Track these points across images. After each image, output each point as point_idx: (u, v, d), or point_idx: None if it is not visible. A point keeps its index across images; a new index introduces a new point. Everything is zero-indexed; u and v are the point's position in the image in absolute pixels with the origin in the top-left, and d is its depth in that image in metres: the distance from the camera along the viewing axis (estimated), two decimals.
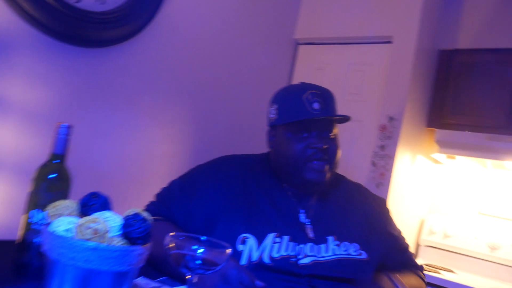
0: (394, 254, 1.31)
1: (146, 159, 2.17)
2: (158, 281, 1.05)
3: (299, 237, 1.17)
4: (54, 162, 0.97)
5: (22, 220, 0.97)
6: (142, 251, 0.71)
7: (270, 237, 1.14)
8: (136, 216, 0.71)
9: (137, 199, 2.15)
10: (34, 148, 1.73)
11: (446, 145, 2.56)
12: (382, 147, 2.47)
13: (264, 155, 1.33)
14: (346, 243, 1.20)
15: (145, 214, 0.74)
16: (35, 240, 0.93)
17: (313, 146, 1.17)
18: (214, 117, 2.48)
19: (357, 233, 1.23)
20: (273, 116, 1.25)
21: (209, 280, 0.96)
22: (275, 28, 2.82)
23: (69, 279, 0.67)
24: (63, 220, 0.70)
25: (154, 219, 1.06)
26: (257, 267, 1.10)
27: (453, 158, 2.67)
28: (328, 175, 1.21)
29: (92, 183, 1.94)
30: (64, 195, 0.96)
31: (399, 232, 1.37)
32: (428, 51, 2.67)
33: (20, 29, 1.69)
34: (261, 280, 0.99)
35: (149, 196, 2.15)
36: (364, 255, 1.20)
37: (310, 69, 2.94)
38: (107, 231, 0.68)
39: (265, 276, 1.09)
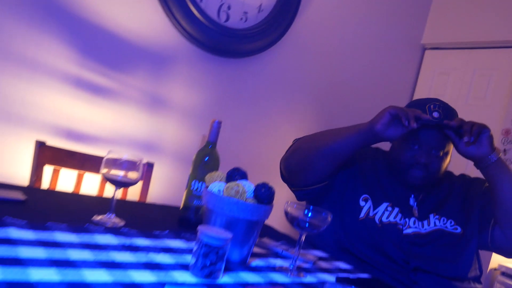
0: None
1: (278, 152, 2.51)
2: (280, 243, 1.36)
3: (406, 211, 1.45)
4: (208, 147, 1.34)
5: (185, 191, 1.35)
6: (266, 208, 1.02)
7: (384, 205, 1.46)
8: (264, 185, 1.03)
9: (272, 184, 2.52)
10: (190, 138, 2.18)
11: None
12: (505, 151, 2.50)
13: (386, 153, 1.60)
14: (444, 218, 1.45)
15: (269, 184, 1.05)
16: (194, 202, 1.31)
17: (417, 159, 1.40)
18: (340, 118, 2.74)
19: (454, 210, 1.46)
20: None
21: None
22: (403, 33, 2.97)
23: (219, 223, 1.01)
24: (216, 184, 1.04)
25: None
26: (369, 222, 1.43)
27: None
28: (424, 182, 1.43)
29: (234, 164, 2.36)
30: (214, 170, 1.32)
31: None
32: None
33: (181, 44, 2.15)
34: (369, 235, 1.40)
35: (274, 184, 2.51)
36: (458, 230, 1.44)
37: (435, 73, 3.02)
38: (245, 192, 1.00)
39: (372, 232, 1.41)
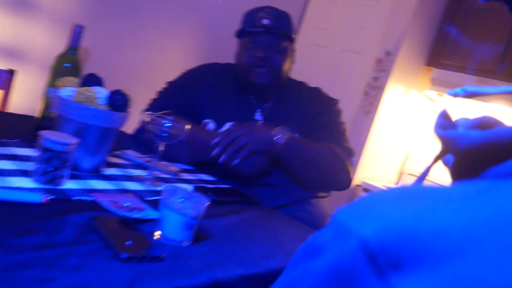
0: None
1: (158, 68, 2.44)
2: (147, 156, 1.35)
3: None
4: (69, 53, 1.25)
5: (42, 99, 1.27)
6: (120, 115, 0.99)
7: (228, 125, 1.47)
8: (118, 91, 0.99)
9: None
10: (58, 45, 2.02)
11: (438, 84, 2.74)
12: (376, 78, 2.67)
13: (233, 65, 1.59)
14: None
15: (125, 92, 1.02)
16: (50, 110, 1.24)
17: (255, 55, 1.43)
18: (221, 38, 2.70)
19: (296, 126, 1.47)
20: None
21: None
22: None
23: (69, 129, 0.96)
24: (68, 89, 0.98)
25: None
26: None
27: (442, 96, 2.85)
28: (268, 79, 1.46)
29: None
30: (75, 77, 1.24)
31: (343, 130, 1.53)
32: None
33: None
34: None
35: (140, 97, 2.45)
36: None
37: (324, 2, 3.06)
38: (96, 98, 0.96)
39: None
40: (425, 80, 2.85)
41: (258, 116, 1.52)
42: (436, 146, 0.45)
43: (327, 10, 3.05)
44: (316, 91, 1.60)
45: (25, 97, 1.99)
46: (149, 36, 2.37)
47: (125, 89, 1.04)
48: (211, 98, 1.52)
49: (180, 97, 1.51)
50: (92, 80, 1.03)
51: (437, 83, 2.75)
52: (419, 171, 2.97)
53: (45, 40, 2.01)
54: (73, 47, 1.25)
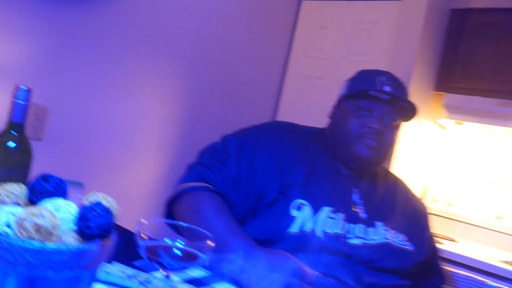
0: (433, 258, 1.30)
1: (135, 121, 2.03)
2: (138, 266, 0.93)
3: (351, 216, 1.16)
4: (11, 132, 0.83)
5: None
6: (98, 250, 0.58)
7: (325, 210, 1.12)
8: (96, 206, 0.58)
9: (126, 163, 2.03)
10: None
11: (454, 110, 2.43)
12: None
13: (320, 130, 1.31)
14: (394, 231, 1.19)
15: (108, 203, 0.61)
16: None
17: (369, 126, 1.16)
18: (209, 77, 2.32)
19: (404, 224, 1.22)
20: (341, 91, 1.25)
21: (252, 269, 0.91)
22: None
23: (12, 285, 0.54)
24: (3, 211, 0.56)
25: (197, 187, 1.09)
26: (308, 239, 1.08)
27: (461, 124, 2.54)
28: (376, 156, 1.19)
29: (73, 150, 1.81)
30: (23, 172, 0.82)
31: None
32: (440, 9, 2.49)
33: None
34: (309, 253, 1.04)
35: (139, 160, 2.01)
36: (411, 247, 1.19)
37: (314, 27, 2.75)
38: (56, 226, 0.55)
39: (313, 249, 1.08)
40: (438, 107, 2.54)
41: (355, 197, 1.21)
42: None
43: (317, 38, 2.73)
44: (404, 183, 1.39)
45: None
46: (121, 84, 1.95)
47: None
48: (299, 167, 1.16)
49: (246, 164, 1.14)
50: (47, 186, 0.61)
51: (452, 110, 2.43)
52: (439, 209, 2.63)
53: None
54: (16, 123, 0.83)
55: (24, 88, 0.83)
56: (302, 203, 1.11)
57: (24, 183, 0.80)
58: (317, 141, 1.26)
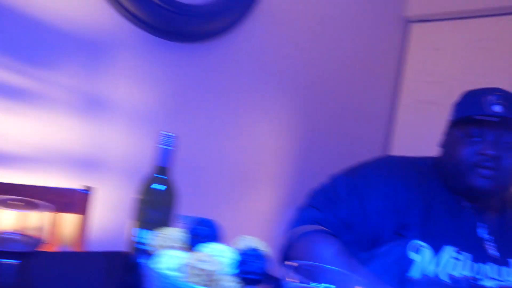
0: None
1: (252, 154, 2.08)
2: None
3: (480, 255, 1.06)
4: (157, 176, 0.88)
5: (127, 235, 0.90)
6: None
7: (448, 250, 1.04)
8: (253, 252, 0.59)
9: (245, 195, 2.08)
10: (140, 149, 1.71)
11: None
12: None
13: (433, 159, 1.19)
14: None
15: (263, 248, 0.61)
16: (139, 260, 0.86)
17: (483, 152, 1.03)
18: (319, 109, 2.32)
19: None
20: (449, 117, 1.16)
21: None
22: (382, 5, 2.57)
23: None
24: (170, 257, 0.59)
25: (313, 230, 1.05)
26: (433, 284, 1.01)
27: None
28: (495, 185, 1.05)
29: (198, 182, 1.89)
30: (168, 212, 0.87)
31: None
32: None
33: (122, 27, 1.66)
34: None
35: (257, 192, 2.03)
36: None
37: (427, 50, 2.64)
38: (217, 271, 0.56)
39: None
40: None
41: (482, 232, 1.10)
42: None
43: (431, 61, 2.62)
44: None
45: (107, 217, 1.67)
46: (238, 120, 2.02)
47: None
48: (414, 206, 1.09)
49: (357, 206, 1.09)
50: (204, 231, 0.64)
51: None
52: None
53: (129, 147, 1.71)
54: (163, 167, 0.89)
55: (169, 134, 0.88)
56: (420, 244, 1.04)
57: (170, 223, 0.84)
58: (431, 173, 1.16)
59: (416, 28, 2.71)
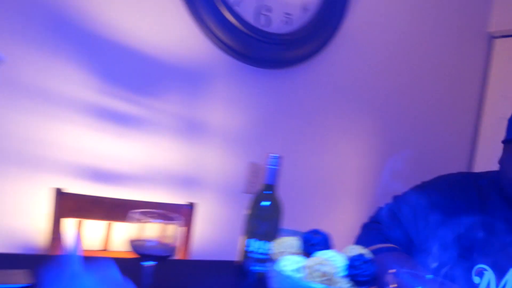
0: None
1: (334, 173, 2.16)
2: None
3: None
4: (265, 192, 1.00)
5: (239, 245, 1.02)
6: None
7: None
8: (361, 257, 0.68)
9: (327, 212, 2.16)
10: (235, 167, 1.86)
11: None
12: None
13: (495, 174, 1.17)
14: None
15: (370, 255, 0.71)
16: (251, 267, 0.98)
17: None
18: (401, 127, 2.36)
19: None
20: (506, 133, 1.13)
21: None
22: (465, 23, 2.56)
23: None
24: (290, 259, 0.70)
25: (386, 248, 1.07)
26: None
27: None
28: None
29: (288, 198, 2.01)
30: (277, 225, 0.98)
31: None
32: None
33: (216, 56, 1.82)
34: None
35: (339, 210, 2.12)
36: None
37: (510, 65, 2.60)
38: (334, 273, 0.66)
39: None
40: None
41: None
42: None
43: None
44: None
45: (207, 229, 1.82)
46: (322, 139, 2.12)
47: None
48: (476, 227, 1.07)
49: (421, 228, 1.11)
50: (317, 239, 0.74)
51: None
52: None
53: (224, 166, 1.86)
54: (270, 185, 1.01)
55: (275, 155, 1.00)
56: (483, 268, 1.01)
57: (277, 234, 0.95)
58: (493, 190, 1.12)
59: (499, 44, 2.68)
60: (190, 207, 1.55)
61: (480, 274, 1.02)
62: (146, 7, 1.66)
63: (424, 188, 1.19)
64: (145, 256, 0.84)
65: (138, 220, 0.84)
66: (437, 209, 1.08)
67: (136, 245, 0.85)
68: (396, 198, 1.21)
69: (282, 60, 1.95)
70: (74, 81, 1.57)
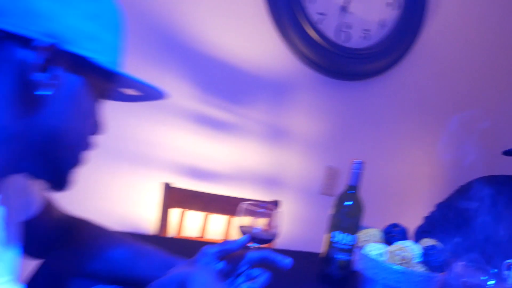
0: None
1: (407, 180, 2.28)
2: None
3: None
4: (349, 192, 1.18)
5: (324, 238, 1.20)
6: (439, 278, 0.83)
7: None
8: (433, 247, 0.84)
9: (401, 215, 2.28)
10: (315, 169, 2.04)
11: None
12: None
13: None
14: None
15: (439, 245, 0.86)
16: (335, 256, 1.15)
17: None
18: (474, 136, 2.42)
19: None
20: None
21: None
22: None
23: None
24: (374, 246, 0.88)
25: None
26: None
27: None
28: None
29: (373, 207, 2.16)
30: (358, 220, 1.15)
31: None
32: None
33: (299, 70, 2.02)
34: None
35: (410, 215, 2.26)
36: None
37: None
38: (412, 259, 0.83)
39: None
40: None
41: None
42: None
43: None
44: None
45: (289, 225, 2.02)
46: (393, 147, 2.25)
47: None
48: (507, 228, 1.22)
49: (465, 230, 1.22)
50: (397, 232, 0.91)
51: None
52: None
53: (304, 168, 2.06)
54: (353, 186, 1.18)
55: (359, 161, 1.17)
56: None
57: (359, 228, 1.12)
58: None
59: None
60: (275, 204, 1.75)
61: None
62: (240, 27, 1.89)
63: (458, 194, 1.32)
64: (252, 239, 1.05)
65: (247, 210, 1.05)
66: (482, 211, 1.18)
67: (244, 230, 1.05)
68: (439, 205, 1.33)
69: (359, 72, 2.11)
70: (179, 92, 1.83)
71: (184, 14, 1.81)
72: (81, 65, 0.57)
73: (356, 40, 2.08)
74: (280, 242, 1.93)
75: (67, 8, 0.54)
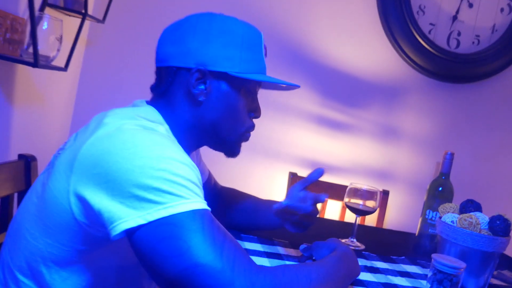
0: None
1: (503, 178, 2.36)
2: None
3: None
4: (442, 178, 1.42)
5: (420, 219, 1.45)
6: (502, 240, 1.06)
7: None
8: (499, 217, 1.07)
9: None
10: (423, 166, 2.25)
11: None
12: None
13: None
14: None
15: (506, 217, 1.08)
16: (429, 230, 1.40)
17: None
18: None
19: None
20: None
21: None
22: None
23: (453, 252, 1.09)
24: (449, 215, 1.12)
25: None
26: None
27: None
28: None
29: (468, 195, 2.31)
30: (448, 202, 1.39)
31: None
32: None
33: (410, 75, 2.24)
34: None
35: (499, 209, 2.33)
36: None
37: None
38: (478, 224, 1.06)
39: None
40: None
41: None
42: None
43: None
44: None
45: (398, 214, 2.26)
46: (503, 152, 2.34)
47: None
48: None
49: None
50: (471, 206, 1.14)
51: None
52: None
53: (413, 164, 2.28)
54: (445, 173, 1.42)
55: (449, 152, 1.40)
56: None
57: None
58: None
59: None
60: (385, 193, 2.01)
61: None
62: (358, 42, 2.19)
63: None
64: (356, 211, 1.35)
65: (355, 189, 1.35)
66: None
67: (350, 205, 1.36)
68: None
69: (469, 76, 2.26)
70: (303, 98, 2.18)
71: (311, 33, 2.16)
72: (223, 77, 0.92)
73: (466, 46, 2.23)
74: (389, 225, 2.18)
75: (208, 44, 0.90)
